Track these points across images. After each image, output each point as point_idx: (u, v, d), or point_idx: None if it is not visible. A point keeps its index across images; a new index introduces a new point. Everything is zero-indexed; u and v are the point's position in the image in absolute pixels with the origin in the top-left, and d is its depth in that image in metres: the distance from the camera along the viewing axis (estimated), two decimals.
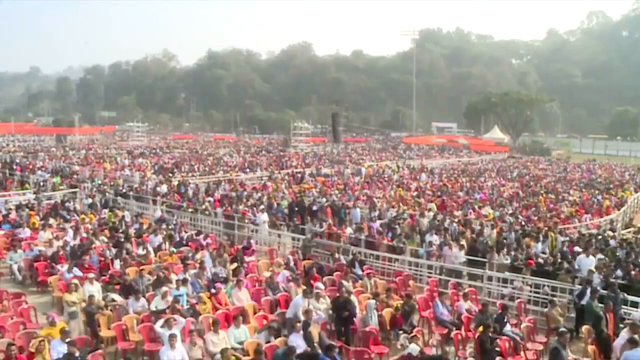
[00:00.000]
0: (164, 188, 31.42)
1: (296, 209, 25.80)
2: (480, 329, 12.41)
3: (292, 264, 17.82)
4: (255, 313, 14.11)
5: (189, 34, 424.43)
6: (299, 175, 40.95)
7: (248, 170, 45.45)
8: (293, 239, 21.66)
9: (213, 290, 14.98)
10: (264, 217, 23.06)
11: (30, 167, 42.45)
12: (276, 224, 23.17)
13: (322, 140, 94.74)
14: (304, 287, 14.60)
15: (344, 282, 15.72)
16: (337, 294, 13.96)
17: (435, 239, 19.81)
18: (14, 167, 41.24)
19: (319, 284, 15.29)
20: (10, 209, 25.20)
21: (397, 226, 21.92)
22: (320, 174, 42.85)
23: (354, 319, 13.28)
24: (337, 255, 18.84)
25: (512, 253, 18.33)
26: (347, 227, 21.72)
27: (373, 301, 13.79)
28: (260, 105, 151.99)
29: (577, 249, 18.92)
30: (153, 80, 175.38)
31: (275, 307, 14.70)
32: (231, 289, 15.12)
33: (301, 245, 20.05)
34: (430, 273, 18.29)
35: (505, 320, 13.35)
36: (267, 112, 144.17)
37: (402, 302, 14.33)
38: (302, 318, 12.61)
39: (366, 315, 13.35)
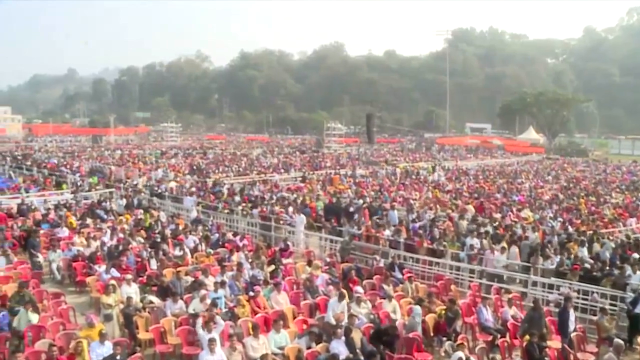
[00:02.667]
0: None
1: (332, 210, 25.47)
2: (527, 337, 11.96)
3: (330, 266, 17.51)
4: (294, 317, 13.85)
5: (221, 35, 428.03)
6: (330, 176, 40.61)
7: (283, 170, 45.27)
8: (330, 240, 21.28)
9: (251, 293, 14.76)
10: (301, 218, 22.79)
11: (68, 167, 42.93)
12: (313, 225, 22.86)
13: (354, 141, 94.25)
14: (344, 291, 14.26)
15: (385, 286, 15.38)
16: (379, 315, 13.55)
17: (476, 242, 19.30)
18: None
19: (359, 288, 14.90)
20: (49, 208, 25.34)
21: (436, 228, 21.45)
22: (355, 175, 42.42)
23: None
24: (376, 258, 18.44)
25: (557, 257, 17.74)
26: (386, 230, 21.28)
27: (419, 308, 13.35)
28: (292, 105, 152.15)
29: (635, 255, 18.10)
30: (186, 81, 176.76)
31: (315, 311, 14.38)
32: (269, 292, 14.85)
33: (339, 248, 19.67)
34: (472, 277, 17.79)
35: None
36: (299, 113, 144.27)
37: (445, 307, 13.90)
38: (343, 322, 12.29)
39: (412, 320, 12.95)
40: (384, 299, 14.63)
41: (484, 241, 19.32)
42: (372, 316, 13.58)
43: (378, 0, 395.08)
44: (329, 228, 22.22)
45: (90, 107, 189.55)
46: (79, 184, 34.05)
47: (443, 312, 13.62)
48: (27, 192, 30.75)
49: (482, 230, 20.84)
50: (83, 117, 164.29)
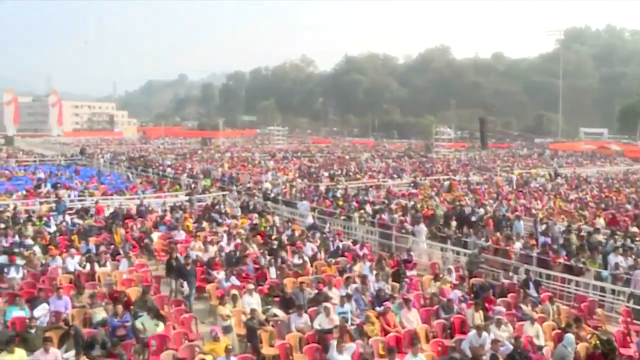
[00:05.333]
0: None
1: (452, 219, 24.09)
2: None
3: (461, 282, 16.19)
4: (427, 337, 12.68)
5: (326, 40, 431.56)
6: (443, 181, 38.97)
7: (395, 176, 44.04)
8: (454, 252, 19.89)
9: (378, 308, 13.72)
10: (423, 227, 21.53)
11: (181, 169, 43.65)
12: (436, 235, 21.57)
13: (461, 146, 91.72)
14: (482, 312, 12.96)
15: (523, 306, 13.93)
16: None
17: (621, 260, 17.35)
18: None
19: (500, 308, 13.52)
20: (166, 210, 25.40)
21: (571, 243, 19.60)
22: (470, 182, 40.57)
23: None
24: (508, 274, 16.93)
25: None
26: (515, 242, 19.67)
27: (571, 336, 11.78)
28: (398, 109, 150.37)
29: None
30: (291, 84, 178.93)
31: (449, 331, 13.14)
32: (398, 308, 13.76)
33: (467, 261, 18.27)
34: (617, 300, 15.90)
35: None
36: (404, 117, 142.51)
37: (596, 335, 12.27)
38: (487, 348, 11.04)
39: (563, 349, 11.46)
40: (522, 320, 13.21)
41: (629, 259, 17.37)
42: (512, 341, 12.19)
43: (485, 2, 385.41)
44: (452, 238, 20.84)
45: (199, 111, 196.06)
46: (192, 186, 34.26)
47: (597, 341, 12.01)
48: (143, 193, 31.23)
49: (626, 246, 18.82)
50: (192, 120, 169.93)
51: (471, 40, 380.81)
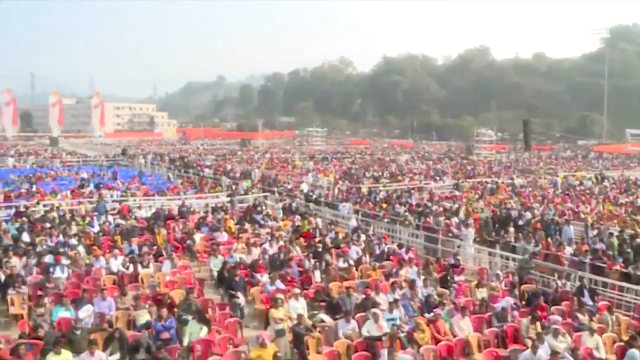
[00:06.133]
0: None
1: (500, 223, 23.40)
2: None
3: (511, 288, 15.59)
4: (479, 347, 12.17)
5: (364, 41, 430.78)
6: (493, 185, 38.08)
7: (437, 178, 43.32)
8: (503, 257, 19.22)
9: (427, 315, 13.26)
10: (470, 231, 20.93)
11: (221, 169, 43.66)
12: (485, 239, 20.94)
13: (502, 148, 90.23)
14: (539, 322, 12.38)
15: (579, 316, 13.30)
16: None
17: None
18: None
19: (556, 317, 12.91)
20: (207, 211, 25.26)
21: (628, 249, 18.79)
22: (515, 184, 39.64)
23: None
24: (562, 281, 16.27)
25: None
26: (566, 247, 18.95)
27: (637, 352, 11.08)
28: (437, 110, 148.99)
29: None
30: (330, 86, 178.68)
31: (503, 341, 12.58)
32: (448, 315, 13.27)
33: (517, 266, 17.60)
34: None
35: None
36: (444, 118, 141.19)
37: None
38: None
39: None
40: (579, 331, 12.59)
41: None
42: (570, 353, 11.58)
43: (525, 1, 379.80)
44: (500, 243, 20.18)
45: (237, 112, 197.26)
46: (234, 187, 34.15)
47: None
48: (184, 194, 31.22)
49: None
50: (231, 121, 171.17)
51: (511, 40, 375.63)
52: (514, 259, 18.66)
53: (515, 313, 13.66)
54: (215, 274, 17.06)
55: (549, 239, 20.44)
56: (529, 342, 11.50)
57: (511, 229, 21.73)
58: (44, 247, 18.19)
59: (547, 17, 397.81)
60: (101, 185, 33.86)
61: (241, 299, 14.08)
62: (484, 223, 23.15)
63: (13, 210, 24.34)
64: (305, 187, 33.74)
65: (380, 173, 45.21)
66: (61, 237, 19.23)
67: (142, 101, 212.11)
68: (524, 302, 14.96)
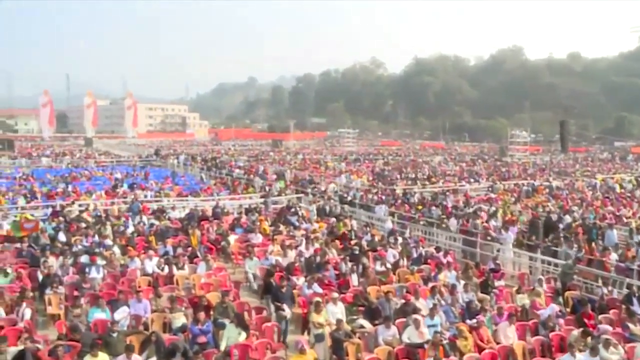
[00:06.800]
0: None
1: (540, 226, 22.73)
2: None
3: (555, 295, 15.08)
4: (524, 356, 11.73)
5: (395, 42, 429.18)
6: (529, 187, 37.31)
7: (472, 180, 42.65)
8: (545, 262, 18.64)
9: (469, 322, 12.82)
10: (510, 234, 20.38)
11: (253, 170, 43.56)
12: (523, 243, 20.39)
13: (536, 150, 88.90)
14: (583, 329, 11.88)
15: (631, 326, 12.73)
16: None
17: None
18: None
19: (605, 326, 12.38)
20: (241, 212, 25.11)
21: None
22: (552, 187, 38.81)
23: None
24: (608, 288, 15.68)
25: None
26: (611, 253, 18.32)
27: None
28: (469, 112, 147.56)
29: None
30: (361, 87, 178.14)
31: (549, 350, 12.11)
32: (490, 322, 12.85)
33: (560, 272, 17.00)
34: None
35: None
36: (476, 119, 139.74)
37: None
38: None
39: None
40: (630, 342, 12.05)
41: None
42: None
43: (560, 1, 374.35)
44: (542, 247, 19.61)
45: (269, 113, 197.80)
46: (267, 188, 33.98)
47: None
48: (218, 194, 31.13)
49: None
50: (262, 122, 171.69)
51: (545, 40, 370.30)
52: (555, 264, 18.06)
53: (561, 321, 13.16)
54: (250, 276, 16.90)
55: (592, 244, 19.79)
56: (579, 353, 10.99)
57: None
58: (80, 247, 18.19)
59: (582, 16, 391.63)
60: (135, 186, 33.98)
61: (287, 312, 13.35)
62: (532, 226, 22.47)
63: (50, 210, 24.48)
64: (332, 188, 33.49)
65: (414, 175, 44.68)
66: (96, 237, 19.23)
67: (174, 102, 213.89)
68: (568, 310, 14.43)
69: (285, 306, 13.39)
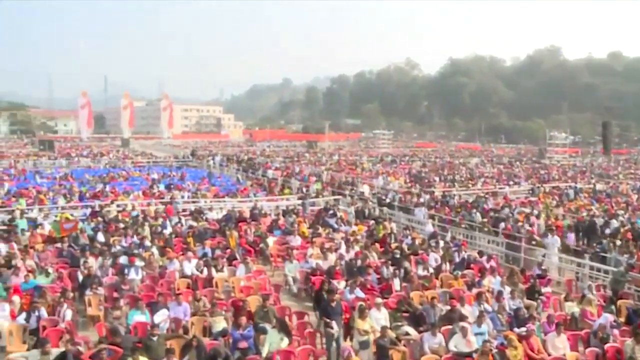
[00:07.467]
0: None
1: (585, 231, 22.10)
2: None
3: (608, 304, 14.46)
4: None
5: (430, 42, 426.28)
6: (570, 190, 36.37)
7: (512, 182, 41.81)
8: (593, 269, 17.95)
9: (517, 330, 12.34)
10: (556, 239, 19.74)
11: (289, 171, 43.39)
12: (569, 248, 19.73)
13: (575, 151, 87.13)
14: None
15: None
16: None
17: None
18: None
19: None
20: (278, 213, 24.88)
21: None
22: (596, 190, 37.80)
23: None
24: None
25: None
26: None
27: None
28: (505, 113, 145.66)
29: None
30: (396, 88, 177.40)
31: None
32: (539, 330, 12.35)
33: (611, 279, 16.33)
34: None
35: None
36: (512, 121, 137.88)
37: None
38: None
39: None
40: None
41: None
42: None
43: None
44: (589, 253, 18.92)
45: (303, 114, 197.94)
46: (304, 189, 33.71)
47: None
48: (255, 196, 30.96)
49: None
50: (297, 123, 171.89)
51: (584, 39, 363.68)
52: (605, 271, 17.39)
53: (616, 331, 12.57)
54: (290, 279, 16.62)
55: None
56: None
57: None
58: (118, 247, 18.14)
59: (623, 13, 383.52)
60: (172, 186, 34.02)
61: (335, 329, 12.14)
62: (588, 229, 21.82)
63: (89, 210, 24.58)
64: (366, 190, 33.07)
65: (452, 177, 44.02)
66: (135, 238, 19.17)
67: (209, 103, 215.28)
68: (622, 320, 13.82)
69: (334, 323, 12.28)
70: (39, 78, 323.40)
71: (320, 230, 21.83)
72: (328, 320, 12.34)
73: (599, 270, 17.67)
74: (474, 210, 25.82)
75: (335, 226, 22.64)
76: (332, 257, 17.23)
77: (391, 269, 16.24)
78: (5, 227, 21.12)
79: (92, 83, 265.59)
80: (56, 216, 23.29)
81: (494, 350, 11.26)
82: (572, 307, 14.43)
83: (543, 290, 15.75)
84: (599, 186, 40.77)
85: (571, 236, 21.49)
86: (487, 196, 32.06)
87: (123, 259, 16.42)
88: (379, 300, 13.17)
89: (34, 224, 21.17)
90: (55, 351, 10.41)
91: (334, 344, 12.01)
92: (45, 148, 66.56)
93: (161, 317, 12.53)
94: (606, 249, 19.13)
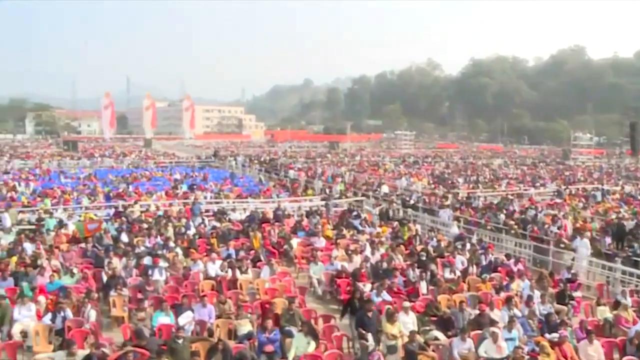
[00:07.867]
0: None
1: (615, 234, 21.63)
2: None
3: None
4: None
5: (452, 43, 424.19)
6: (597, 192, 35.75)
7: (537, 184, 41.25)
8: (626, 273, 17.48)
9: (548, 336, 12.03)
10: (586, 242, 19.33)
11: (311, 172, 43.22)
12: (600, 252, 19.31)
13: (599, 153, 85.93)
14: None
15: None
16: None
17: None
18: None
19: None
20: (301, 214, 24.71)
21: None
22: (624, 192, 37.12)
23: None
24: None
25: None
26: None
27: None
28: (528, 114, 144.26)
29: None
30: (417, 88, 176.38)
31: None
32: (573, 337, 12.02)
33: None
34: None
35: None
36: (535, 121, 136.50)
37: None
38: None
39: None
40: None
41: None
42: None
43: None
44: (621, 257, 18.48)
45: (324, 115, 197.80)
46: (327, 190, 33.50)
47: None
48: (278, 197, 30.82)
49: None
50: (318, 124, 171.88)
51: (609, 39, 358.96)
52: (638, 276, 16.96)
53: None
54: (315, 281, 16.44)
55: None
56: None
57: None
58: (142, 248, 18.07)
59: None
60: (194, 187, 33.99)
61: (371, 342, 11.57)
62: (622, 232, 21.38)
63: (112, 210, 24.60)
64: (385, 190, 32.78)
65: (476, 178, 43.56)
66: (159, 239, 19.09)
67: (230, 104, 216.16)
68: None
69: (370, 336, 11.68)
70: (63, 79, 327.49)
71: (345, 231, 21.57)
72: (364, 332, 11.91)
73: (631, 274, 17.22)
74: (499, 212, 25.44)
75: (360, 228, 22.38)
76: (357, 259, 16.98)
77: (417, 271, 15.95)
78: (32, 227, 21.22)
79: (115, 84, 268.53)
80: (80, 216, 23.34)
81: (526, 357, 10.97)
82: (605, 313, 14.04)
83: (573, 294, 15.40)
84: (628, 188, 40.06)
85: (606, 240, 20.97)
86: (512, 198, 31.61)
87: (147, 260, 16.33)
88: (407, 303, 12.95)
89: (59, 224, 21.24)
90: (81, 353, 10.32)
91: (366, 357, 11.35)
92: (69, 148, 67.28)
93: (186, 319, 12.38)
94: (638, 253, 18.68)
